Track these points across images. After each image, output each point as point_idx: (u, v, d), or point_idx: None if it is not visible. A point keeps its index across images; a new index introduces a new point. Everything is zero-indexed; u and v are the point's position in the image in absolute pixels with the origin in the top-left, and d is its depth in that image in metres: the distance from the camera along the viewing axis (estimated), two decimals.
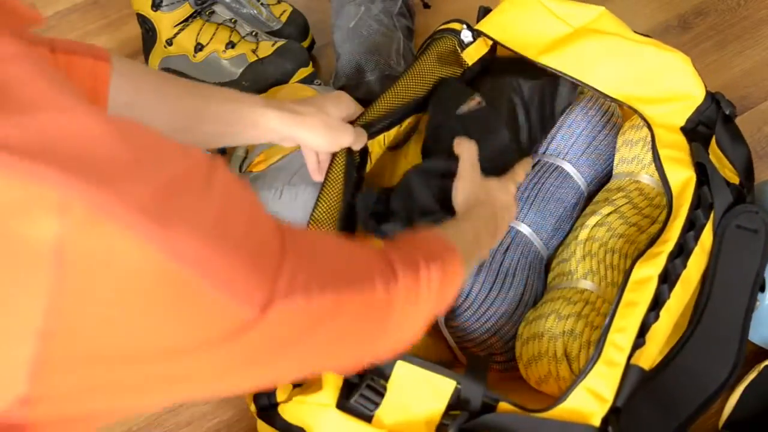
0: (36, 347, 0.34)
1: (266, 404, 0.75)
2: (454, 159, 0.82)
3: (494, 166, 0.84)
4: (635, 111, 0.85)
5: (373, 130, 0.86)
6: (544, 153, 0.93)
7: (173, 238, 0.36)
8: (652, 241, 0.78)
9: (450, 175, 0.81)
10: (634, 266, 0.75)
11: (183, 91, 0.74)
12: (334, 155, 0.82)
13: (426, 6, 1.24)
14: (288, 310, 0.44)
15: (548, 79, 0.91)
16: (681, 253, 0.77)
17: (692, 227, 0.78)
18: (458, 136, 0.83)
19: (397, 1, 1.15)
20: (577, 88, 0.94)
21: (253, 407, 0.76)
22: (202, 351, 0.41)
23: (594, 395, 0.70)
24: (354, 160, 0.83)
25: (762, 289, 0.84)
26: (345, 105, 0.80)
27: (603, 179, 0.95)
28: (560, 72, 0.87)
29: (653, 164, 0.85)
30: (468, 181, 0.79)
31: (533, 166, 0.92)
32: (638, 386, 0.71)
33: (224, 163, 0.42)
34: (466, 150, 0.82)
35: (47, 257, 0.32)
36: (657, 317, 0.73)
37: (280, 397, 0.74)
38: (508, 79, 0.91)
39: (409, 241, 0.62)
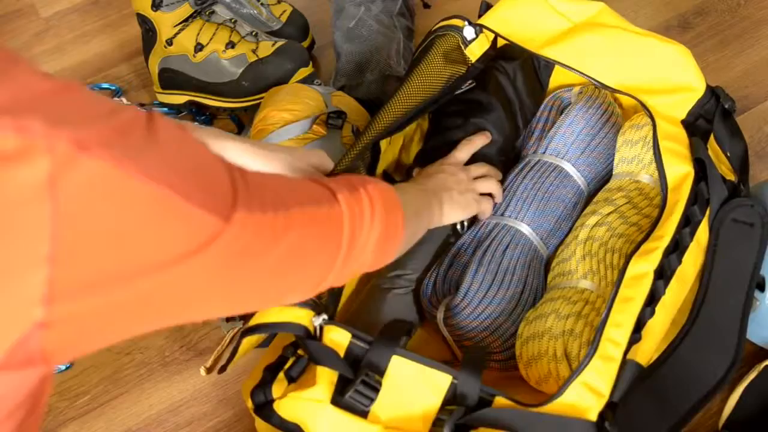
0: (46, 271, 0.40)
1: (263, 401, 0.75)
2: (453, 139, 0.88)
3: (493, 140, 0.92)
4: (637, 100, 0.85)
5: (389, 130, 0.87)
6: (544, 153, 0.93)
7: (141, 164, 0.43)
8: (647, 236, 0.78)
9: (453, 145, 0.88)
10: (629, 262, 0.76)
11: None
12: (346, 152, 0.82)
13: (426, 6, 1.24)
14: (248, 221, 0.51)
15: (524, 57, 0.97)
16: (676, 248, 0.77)
17: (688, 223, 0.78)
18: (456, 116, 0.90)
19: (397, 1, 1.15)
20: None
21: (250, 404, 0.76)
22: (182, 262, 0.46)
23: (590, 390, 0.69)
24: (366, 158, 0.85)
25: (762, 289, 0.84)
26: (319, 156, 0.80)
27: (603, 179, 0.95)
28: (562, 64, 0.88)
29: (653, 164, 0.85)
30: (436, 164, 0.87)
31: (533, 166, 0.92)
32: (635, 382, 0.71)
33: (161, 115, 0.48)
34: (460, 145, 0.90)
35: (44, 191, 0.38)
36: (653, 313, 0.73)
37: (275, 393, 0.74)
38: (490, 63, 0.96)
39: (350, 177, 0.70)
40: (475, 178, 0.87)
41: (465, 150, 0.90)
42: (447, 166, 0.87)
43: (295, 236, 0.57)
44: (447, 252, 0.89)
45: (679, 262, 0.76)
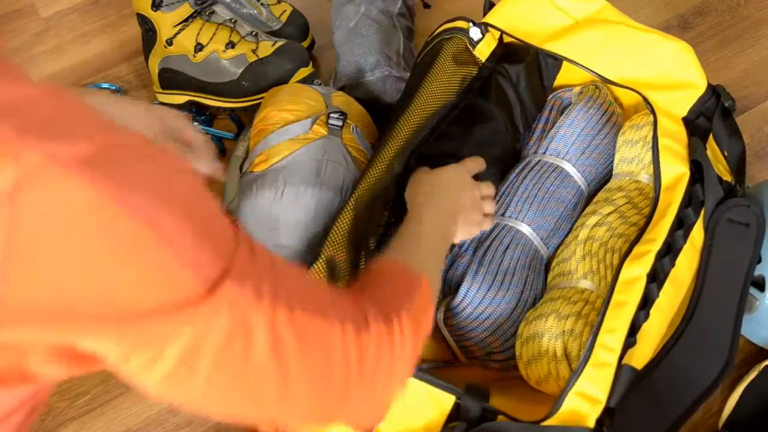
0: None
1: None
2: (449, 150, 0.86)
3: (491, 149, 0.90)
4: (640, 95, 0.85)
5: (413, 147, 0.87)
6: (544, 153, 0.93)
7: (123, 191, 0.38)
8: (638, 238, 0.78)
9: (450, 155, 0.86)
10: (622, 266, 0.75)
11: None
12: (368, 165, 0.84)
13: (426, 6, 1.24)
14: (239, 299, 0.43)
15: (530, 59, 0.95)
16: (669, 251, 0.77)
17: (681, 225, 0.78)
18: (454, 124, 0.89)
19: (397, 2, 1.15)
20: (560, 63, 0.97)
21: None
22: (143, 321, 0.40)
23: (586, 398, 0.70)
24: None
25: (762, 289, 0.84)
26: (176, 118, 0.74)
27: (603, 179, 0.95)
28: (565, 58, 0.89)
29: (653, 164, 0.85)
30: (426, 173, 0.83)
31: (533, 166, 0.92)
32: (631, 385, 0.71)
33: (171, 152, 0.44)
34: (467, 160, 0.86)
35: (3, 200, 0.35)
36: (647, 316, 0.73)
37: None
38: (493, 66, 0.95)
39: (377, 287, 0.61)
40: (483, 197, 0.86)
41: (477, 165, 0.88)
42: (466, 177, 0.84)
43: (306, 351, 0.47)
44: (446, 253, 0.89)
45: (673, 264, 0.76)
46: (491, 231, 0.89)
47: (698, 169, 0.80)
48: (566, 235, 0.91)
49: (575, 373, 0.70)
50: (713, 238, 0.78)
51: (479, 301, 0.84)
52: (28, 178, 0.35)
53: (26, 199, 0.35)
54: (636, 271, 0.75)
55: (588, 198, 0.94)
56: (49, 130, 0.37)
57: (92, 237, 0.37)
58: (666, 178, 0.80)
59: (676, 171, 0.80)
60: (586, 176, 0.93)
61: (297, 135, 0.95)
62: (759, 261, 0.84)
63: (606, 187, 0.93)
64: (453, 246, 0.89)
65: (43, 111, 0.38)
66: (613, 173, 0.94)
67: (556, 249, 0.91)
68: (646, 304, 0.74)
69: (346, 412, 0.53)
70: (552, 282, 0.88)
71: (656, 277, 0.75)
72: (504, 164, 0.94)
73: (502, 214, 0.90)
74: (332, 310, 0.51)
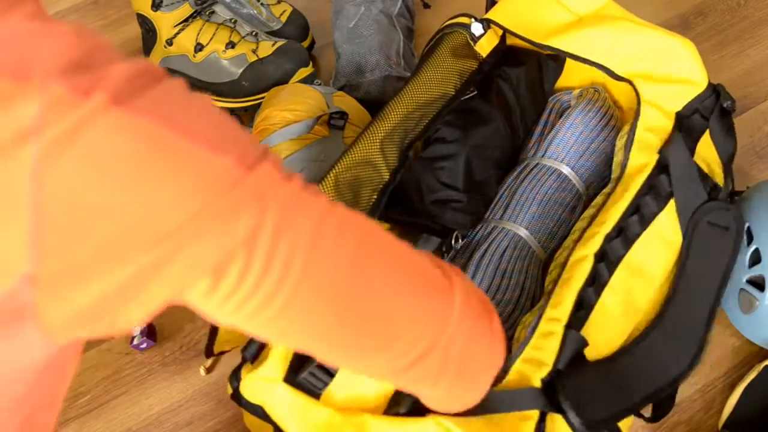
0: (30, 220, 0.36)
1: (236, 386, 0.74)
2: (448, 152, 0.86)
3: (489, 152, 0.90)
4: (630, 84, 0.86)
5: (409, 135, 0.86)
6: (543, 156, 0.93)
7: (156, 112, 0.38)
8: (590, 224, 0.79)
9: (449, 157, 0.86)
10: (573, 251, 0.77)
11: None
12: (347, 149, 0.82)
13: (426, 6, 1.24)
14: (278, 184, 0.43)
15: (531, 62, 0.95)
16: (620, 235, 0.77)
17: (636, 212, 0.78)
18: (452, 126, 0.89)
19: (397, 2, 1.15)
20: (563, 65, 0.97)
21: (229, 390, 0.75)
22: (193, 226, 0.39)
23: (531, 362, 0.70)
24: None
25: (762, 289, 0.84)
26: None
27: (601, 182, 0.95)
28: (565, 52, 0.89)
29: None
30: None
31: (532, 169, 0.92)
32: (594, 364, 0.70)
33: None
34: None
35: (30, 133, 0.35)
36: (598, 294, 0.74)
37: (243, 375, 0.73)
38: (493, 69, 0.95)
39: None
40: None
41: None
42: None
43: (380, 261, 0.48)
44: (443, 257, 0.89)
45: (626, 249, 0.76)
46: (489, 233, 0.89)
47: (667, 161, 0.80)
48: (564, 239, 0.91)
49: (521, 344, 0.71)
50: (692, 240, 0.78)
51: None
52: (53, 108, 0.35)
53: (53, 125, 0.35)
54: (583, 251, 0.76)
55: (586, 201, 0.94)
56: (70, 62, 0.37)
57: (128, 157, 0.37)
58: (631, 166, 0.81)
59: (640, 160, 0.81)
60: (585, 179, 0.93)
61: (299, 135, 0.95)
62: (759, 261, 0.85)
63: (603, 191, 0.92)
64: (450, 248, 0.88)
65: (64, 46, 0.39)
66: (611, 177, 0.93)
67: (554, 252, 0.91)
68: (594, 282, 0.75)
69: (433, 344, 0.52)
70: (549, 286, 0.88)
71: (605, 258, 0.76)
72: (502, 167, 0.94)
73: (500, 217, 0.90)
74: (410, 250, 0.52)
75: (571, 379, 0.69)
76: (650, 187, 0.80)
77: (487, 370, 0.58)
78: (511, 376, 0.70)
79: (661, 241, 0.78)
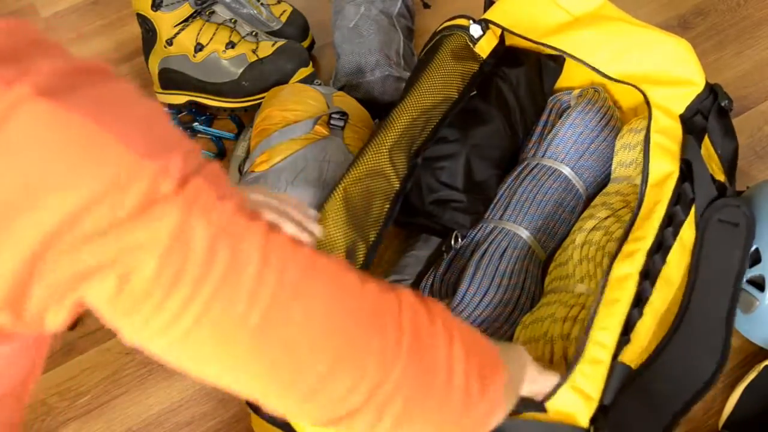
0: None
1: None
2: (448, 152, 0.87)
3: (489, 152, 0.90)
4: (638, 89, 0.85)
5: (416, 145, 0.86)
6: (543, 156, 0.93)
7: (87, 108, 0.38)
8: (626, 237, 0.77)
9: (449, 156, 0.86)
10: (612, 265, 0.75)
11: None
12: (355, 158, 0.82)
13: (426, 6, 1.24)
14: (201, 190, 0.41)
15: (530, 63, 0.95)
16: (659, 249, 0.76)
17: (670, 223, 0.78)
18: (452, 127, 0.89)
19: (397, 2, 1.15)
20: (562, 65, 0.97)
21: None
22: (120, 229, 0.38)
23: (579, 394, 0.68)
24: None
25: (762, 289, 0.84)
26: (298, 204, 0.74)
27: (601, 183, 0.95)
28: (564, 52, 0.89)
29: None
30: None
31: (532, 170, 0.92)
32: (625, 384, 0.70)
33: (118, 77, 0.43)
34: None
35: None
36: (641, 314, 0.73)
37: None
38: (492, 69, 0.95)
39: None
40: None
41: None
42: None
43: (317, 284, 0.45)
44: (443, 257, 0.89)
45: (664, 262, 0.76)
46: (489, 234, 0.89)
47: (689, 167, 0.80)
48: (564, 239, 0.91)
49: (570, 368, 0.69)
50: (704, 238, 0.78)
51: (476, 304, 0.84)
52: None
53: None
54: (627, 268, 0.74)
55: (586, 201, 0.94)
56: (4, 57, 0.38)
57: (50, 141, 0.37)
58: (654, 174, 0.80)
59: (664, 168, 0.80)
60: (585, 180, 0.93)
61: (299, 135, 0.95)
62: (759, 261, 0.85)
63: (604, 191, 0.92)
64: (450, 248, 0.88)
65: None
66: (611, 177, 0.93)
67: (554, 252, 0.91)
68: (639, 302, 0.74)
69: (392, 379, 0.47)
70: (549, 286, 0.88)
71: (648, 275, 0.75)
72: (502, 167, 0.94)
73: (500, 218, 0.90)
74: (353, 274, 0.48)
75: (613, 411, 0.68)
76: (679, 195, 0.79)
77: None
78: (556, 404, 0.68)
79: (682, 246, 0.78)
